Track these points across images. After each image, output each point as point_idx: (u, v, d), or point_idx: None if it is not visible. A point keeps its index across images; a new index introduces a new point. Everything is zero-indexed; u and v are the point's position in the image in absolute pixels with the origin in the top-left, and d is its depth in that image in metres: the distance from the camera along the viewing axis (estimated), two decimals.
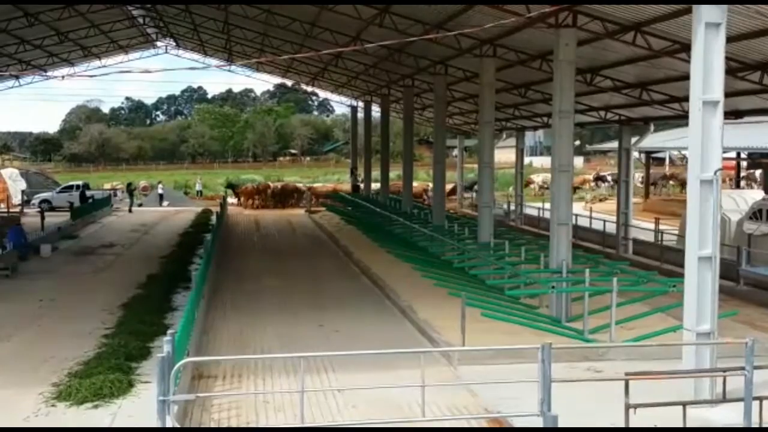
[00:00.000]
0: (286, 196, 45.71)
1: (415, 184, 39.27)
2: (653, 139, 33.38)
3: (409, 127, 32.73)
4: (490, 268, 17.86)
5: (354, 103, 47.17)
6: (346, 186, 50.34)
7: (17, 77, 37.02)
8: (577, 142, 68.26)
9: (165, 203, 47.35)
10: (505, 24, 15.66)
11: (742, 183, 39.54)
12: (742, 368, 8.58)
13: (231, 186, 50.74)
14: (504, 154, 50.28)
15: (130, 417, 9.77)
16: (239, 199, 46.45)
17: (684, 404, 8.56)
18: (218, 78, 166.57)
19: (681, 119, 23.68)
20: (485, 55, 20.57)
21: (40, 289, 18.73)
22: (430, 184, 33.47)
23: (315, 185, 50.97)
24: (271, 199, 44.96)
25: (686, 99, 10.72)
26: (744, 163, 40.24)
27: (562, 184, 15.42)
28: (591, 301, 13.97)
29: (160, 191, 49.09)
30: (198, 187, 56.80)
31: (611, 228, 25.89)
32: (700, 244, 10.22)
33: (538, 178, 53.50)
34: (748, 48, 15.23)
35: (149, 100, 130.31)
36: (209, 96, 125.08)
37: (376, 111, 43.05)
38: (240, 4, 24.42)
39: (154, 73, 30.00)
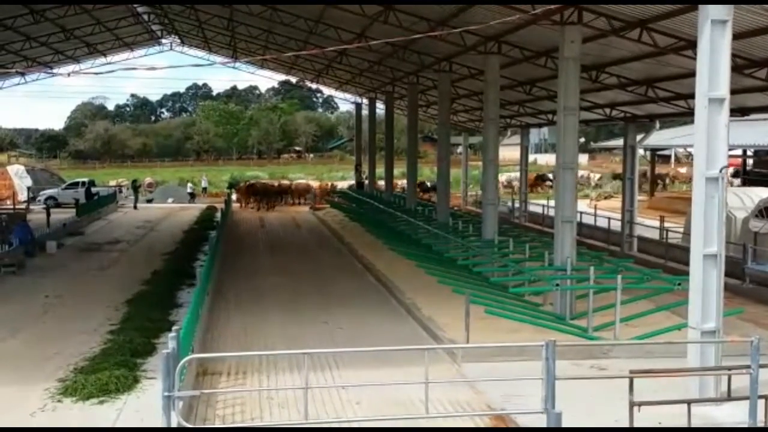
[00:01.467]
0: (269, 195, 43.08)
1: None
2: (659, 137, 33.29)
3: (413, 124, 32.72)
4: (494, 266, 17.87)
5: (358, 100, 47.14)
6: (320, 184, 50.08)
7: (23, 74, 37.12)
8: (582, 140, 68.22)
9: (170, 200, 47.42)
10: (510, 21, 15.61)
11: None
12: (748, 366, 8.55)
13: (232, 186, 50.77)
14: (509, 152, 50.19)
15: (136, 412, 9.81)
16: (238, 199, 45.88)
17: (689, 402, 8.54)
18: (223, 75, 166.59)
19: (687, 116, 23.60)
20: (490, 52, 20.52)
21: (46, 286, 18.79)
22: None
23: (297, 182, 50.41)
24: (251, 198, 42.50)
25: (692, 96, 10.65)
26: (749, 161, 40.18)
27: (567, 182, 15.39)
28: (595, 298, 13.94)
29: (189, 190, 49.72)
30: (204, 184, 56.46)
31: (616, 225, 25.85)
32: (706, 241, 10.19)
33: (501, 177, 52.94)
34: (755, 45, 15.17)
35: (154, 97, 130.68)
36: (214, 93, 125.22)
37: (380, 108, 43.02)
38: (245, 4, 24.44)
39: (159, 70, 30.06)
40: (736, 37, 11.38)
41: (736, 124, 21.66)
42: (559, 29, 15.14)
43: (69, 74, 48.59)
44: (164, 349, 8.20)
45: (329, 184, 49.00)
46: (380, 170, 42.06)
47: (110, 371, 10.89)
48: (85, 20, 28.95)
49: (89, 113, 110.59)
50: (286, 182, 49.93)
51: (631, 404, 8.31)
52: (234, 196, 45.42)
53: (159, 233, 30.60)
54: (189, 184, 51.86)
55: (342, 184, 50.47)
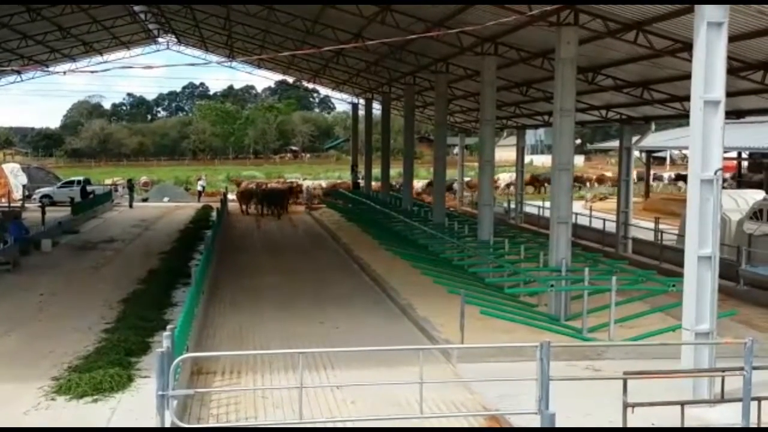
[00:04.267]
0: (274, 199, 39.12)
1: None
2: (654, 139, 33.36)
3: (409, 125, 32.74)
4: (490, 266, 17.89)
5: (355, 100, 47.14)
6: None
7: (19, 72, 37.12)
8: (578, 141, 68.27)
9: (165, 199, 47.30)
10: (507, 22, 15.65)
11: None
12: (741, 368, 8.58)
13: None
14: (505, 153, 50.23)
15: (130, 411, 9.80)
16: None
17: (682, 404, 8.56)
18: (220, 74, 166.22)
19: (682, 118, 23.67)
20: (486, 53, 20.56)
21: (41, 284, 18.76)
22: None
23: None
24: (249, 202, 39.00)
25: (688, 98, 10.71)
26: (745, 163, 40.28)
27: (563, 183, 15.42)
28: (590, 299, 13.99)
29: (199, 188, 49.48)
30: (200, 187, 54.87)
31: (611, 227, 25.89)
32: (700, 243, 10.22)
33: (506, 175, 52.63)
34: (750, 47, 15.22)
35: (150, 96, 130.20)
36: (210, 92, 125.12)
37: (377, 108, 43.04)
38: (242, 3, 24.43)
39: (155, 69, 30.11)
40: (732, 39, 11.41)
41: (731, 127, 21.76)
42: (556, 30, 15.17)
43: (65, 73, 48.62)
44: (159, 347, 8.19)
45: (295, 183, 48.61)
46: (377, 170, 42.04)
47: (104, 370, 10.88)
48: (82, 19, 28.92)
49: (85, 112, 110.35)
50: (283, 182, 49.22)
51: (625, 405, 8.33)
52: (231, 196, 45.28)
53: (154, 232, 30.56)
54: (200, 182, 51.26)
55: (309, 184, 50.21)
